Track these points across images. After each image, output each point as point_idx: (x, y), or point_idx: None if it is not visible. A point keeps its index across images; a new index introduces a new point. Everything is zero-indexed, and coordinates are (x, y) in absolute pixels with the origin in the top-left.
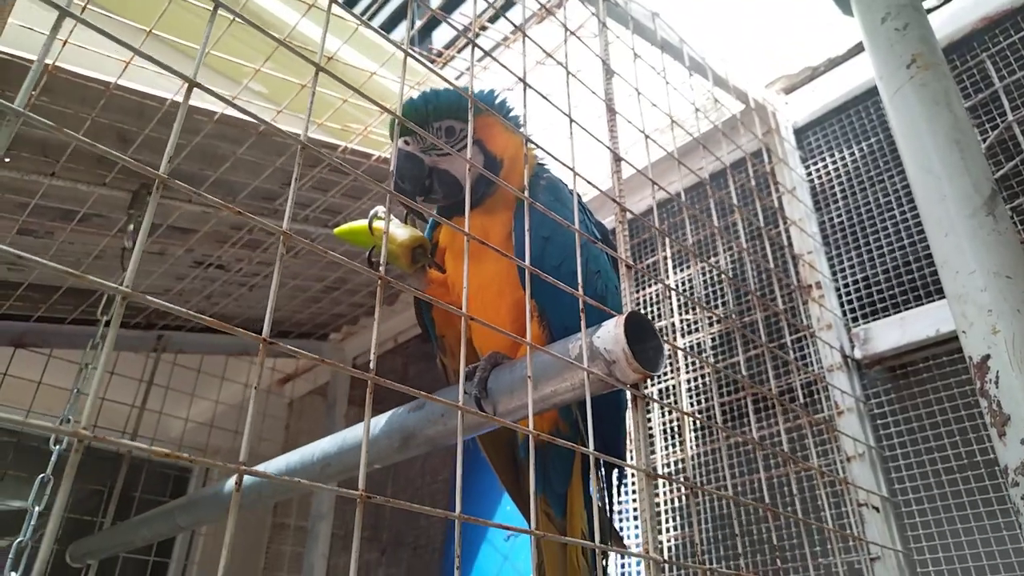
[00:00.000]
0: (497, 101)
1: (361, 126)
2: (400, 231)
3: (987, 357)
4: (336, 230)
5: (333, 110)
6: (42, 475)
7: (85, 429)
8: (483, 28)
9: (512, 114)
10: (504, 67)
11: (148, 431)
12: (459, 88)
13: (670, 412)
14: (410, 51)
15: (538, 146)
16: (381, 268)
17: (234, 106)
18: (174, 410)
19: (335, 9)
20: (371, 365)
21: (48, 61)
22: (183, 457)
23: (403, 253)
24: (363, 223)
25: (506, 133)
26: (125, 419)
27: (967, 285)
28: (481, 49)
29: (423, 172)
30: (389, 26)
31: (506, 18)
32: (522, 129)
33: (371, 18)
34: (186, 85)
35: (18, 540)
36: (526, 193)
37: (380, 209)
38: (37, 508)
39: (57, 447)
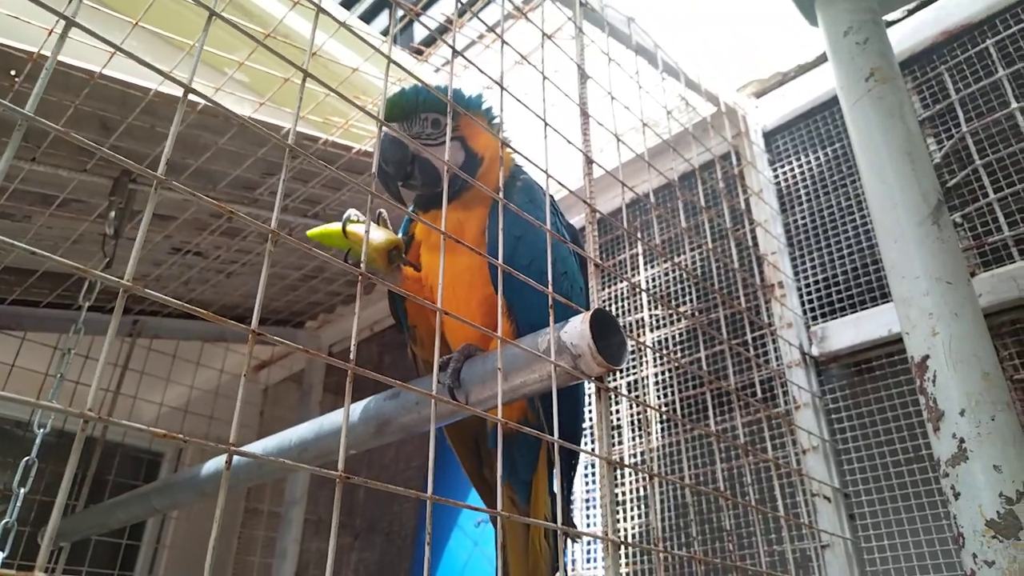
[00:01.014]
0: (484, 107)
1: (342, 119)
2: (376, 233)
3: (927, 357)
4: (309, 232)
5: (315, 103)
6: (27, 458)
7: (90, 410)
8: (461, 27)
9: (495, 119)
10: (481, 71)
11: (122, 416)
12: (434, 89)
13: (636, 405)
14: (393, 59)
15: (515, 150)
16: (362, 264)
17: (239, 117)
18: (148, 395)
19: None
20: (351, 356)
21: (32, 50)
22: (177, 437)
23: (380, 256)
24: (336, 226)
25: (482, 121)
26: (99, 403)
27: (912, 289)
28: (463, 56)
29: (407, 158)
30: (370, 15)
31: (483, 22)
32: (502, 133)
33: (351, 6)
34: (183, 90)
35: (4, 521)
36: (500, 193)
37: (353, 212)
38: (23, 491)
39: (41, 430)
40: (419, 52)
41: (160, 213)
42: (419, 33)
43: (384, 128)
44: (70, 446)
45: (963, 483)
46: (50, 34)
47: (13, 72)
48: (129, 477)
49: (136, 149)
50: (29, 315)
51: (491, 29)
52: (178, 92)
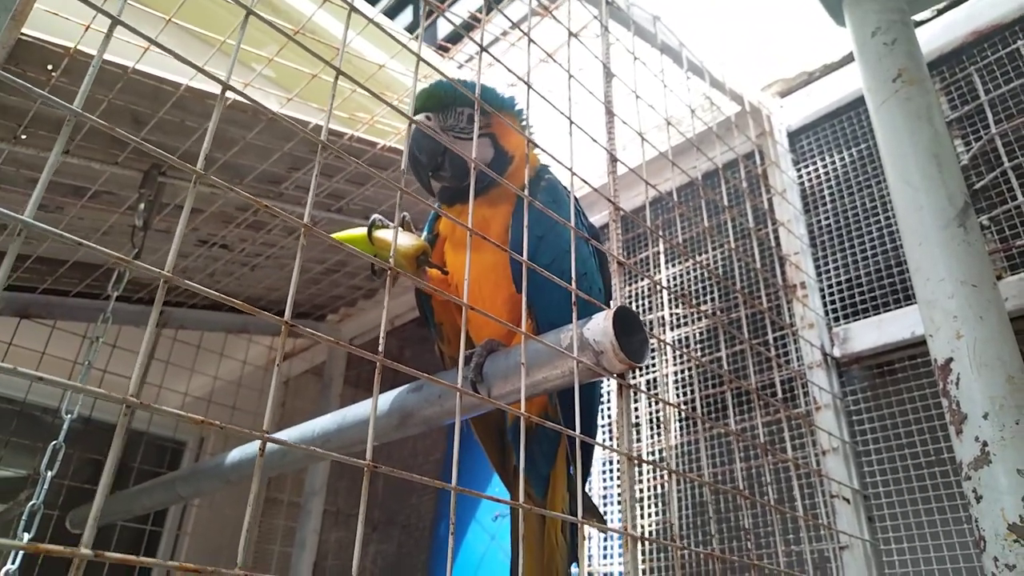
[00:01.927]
0: (516, 108)
1: (368, 115)
2: (403, 239)
3: (950, 360)
4: (335, 235)
5: (342, 99)
6: (54, 442)
7: (133, 396)
8: (487, 23)
9: (525, 120)
10: (508, 68)
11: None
12: (464, 88)
13: (656, 402)
14: (422, 57)
15: (543, 150)
16: (390, 260)
17: (272, 113)
18: (173, 384)
19: None
20: (380, 348)
21: (69, 44)
22: (215, 424)
23: (408, 262)
24: (362, 231)
25: (512, 123)
26: (125, 391)
27: (936, 292)
28: (489, 54)
29: (439, 149)
30: (394, 11)
31: (508, 19)
32: (528, 131)
33: (376, 1)
34: (220, 88)
35: (31, 504)
36: (525, 191)
37: (377, 217)
38: (50, 473)
39: (68, 416)
40: (444, 49)
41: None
42: (442, 29)
43: (418, 119)
44: (96, 433)
45: (985, 486)
46: (87, 29)
47: (50, 67)
48: (153, 464)
49: (166, 142)
50: (59, 304)
51: (516, 26)
52: (209, 87)
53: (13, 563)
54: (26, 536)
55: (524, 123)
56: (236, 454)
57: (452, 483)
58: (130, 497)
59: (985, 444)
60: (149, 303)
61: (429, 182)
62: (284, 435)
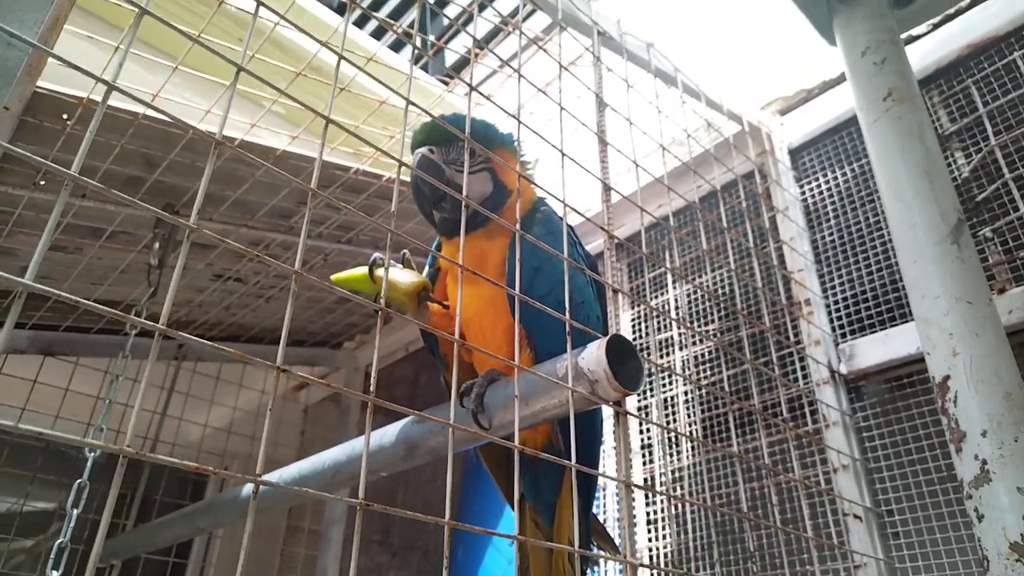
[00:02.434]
0: (514, 143)
1: (372, 148)
2: (403, 276)
3: (947, 377)
4: (334, 277)
5: (346, 135)
6: (79, 480)
7: (129, 447)
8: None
9: (524, 156)
10: (498, 106)
11: (169, 436)
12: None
13: (668, 424)
14: (411, 100)
15: (538, 186)
16: (381, 300)
17: (262, 163)
18: (193, 416)
19: (350, 33)
20: (371, 388)
21: (83, 95)
22: (208, 470)
23: (409, 300)
24: (362, 271)
25: (512, 161)
26: (147, 425)
27: (932, 309)
28: (479, 93)
29: (442, 181)
30: (398, 43)
31: (498, 56)
32: (526, 167)
33: (381, 36)
34: (213, 144)
35: (59, 542)
36: (517, 225)
37: (378, 256)
38: (76, 511)
39: (92, 454)
40: (449, 79)
41: (201, 243)
42: (451, 57)
43: (420, 151)
44: (123, 467)
45: (986, 505)
46: (97, 83)
47: (65, 116)
48: (176, 496)
49: (178, 183)
50: (81, 341)
51: (505, 63)
52: (216, 128)
53: None
54: (55, 574)
55: (522, 158)
56: (250, 487)
57: (446, 517)
58: (152, 530)
59: (984, 462)
60: (168, 337)
61: (432, 213)
62: (297, 467)
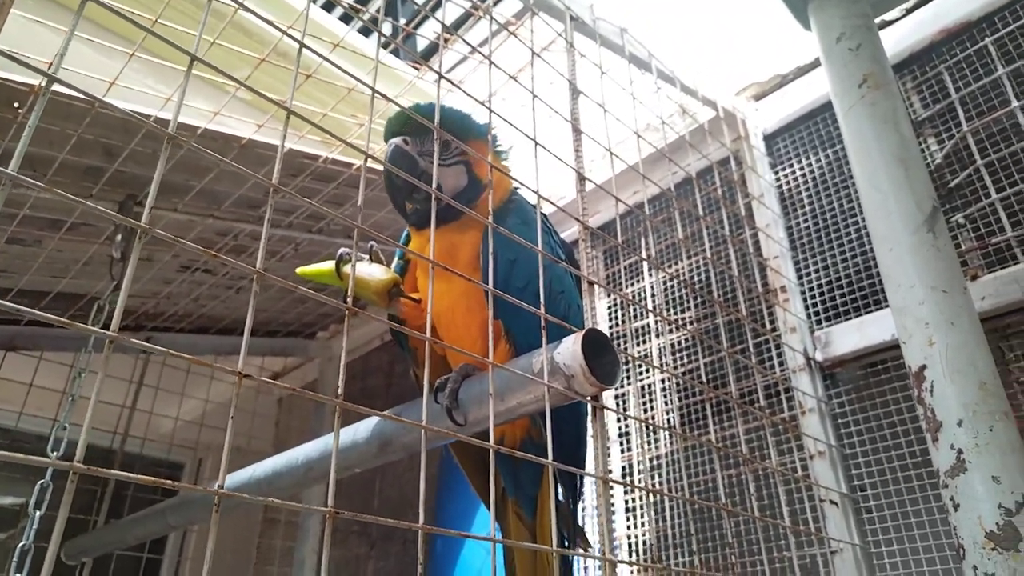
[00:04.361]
0: (491, 134)
1: (343, 135)
2: (372, 272)
3: (924, 367)
4: (299, 271)
5: (317, 119)
6: (41, 481)
7: (80, 462)
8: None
9: (499, 146)
10: (468, 95)
11: (139, 430)
12: (419, 117)
13: (646, 411)
14: (378, 91)
15: (512, 178)
16: (348, 300)
17: (221, 159)
18: (164, 409)
19: (318, 17)
20: (339, 391)
21: (33, 82)
22: (166, 484)
23: (380, 297)
24: (328, 266)
25: (488, 154)
26: (116, 419)
27: (907, 298)
28: (449, 81)
29: (415, 173)
30: (368, 28)
31: (468, 43)
32: (501, 158)
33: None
34: (165, 138)
35: (21, 544)
36: (490, 218)
37: (344, 251)
38: (38, 513)
39: (54, 454)
40: (419, 65)
41: (167, 233)
42: (423, 42)
43: (394, 141)
44: (87, 460)
45: (962, 494)
46: (50, 66)
47: (16, 104)
48: (148, 491)
49: (140, 173)
50: (44, 335)
51: (475, 49)
52: (181, 118)
53: None
54: None
55: (498, 148)
56: (225, 483)
57: (420, 522)
58: (123, 527)
59: (960, 452)
60: (135, 330)
61: (404, 205)
62: (271, 463)
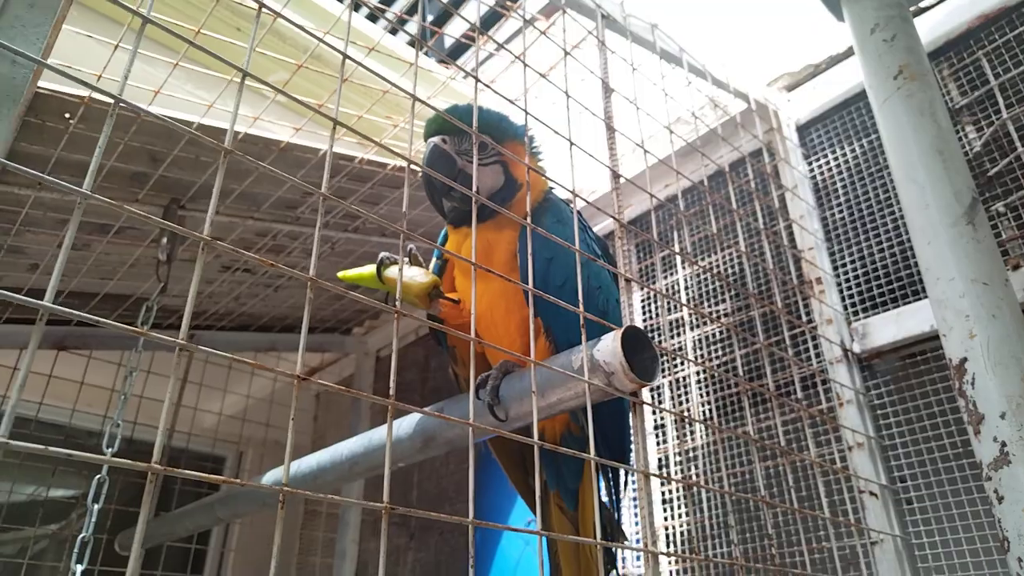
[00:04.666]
0: (528, 135)
1: (378, 136)
2: (414, 273)
3: (964, 360)
4: (340, 275)
5: (352, 123)
6: (98, 476)
7: (158, 463)
8: (485, 42)
9: (536, 147)
10: (500, 95)
11: (184, 425)
12: (458, 122)
13: (680, 404)
14: (419, 98)
15: (548, 178)
16: (397, 303)
17: (264, 167)
18: (207, 405)
19: (354, 20)
20: (391, 392)
21: (84, 94)
22: (234, 481)
23: (421, 300)
24: (369, 270)
25: (525, 156)
26: (162, 414)
27: (947, 291)
28: (481, 81)
29: (453, 172)
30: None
31: (500, 44)
32: (537, 158)
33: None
34: (223, 153)
35: (81, 536)
36: (528, 219)
37: (385, 255)
38: (96, 506)
39: (109, 450)
40: (447, 63)
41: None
42: (448, 40)
43: (432, 140)
44: (139, 455)
45: (1006, 487)
46: (99, 79)
47: (68, 115)
48: (193, 484)
49: (183, 178)
50: (93, 335)
51: (501, 46)
52: (219, 123)
53: None
54: (79, 568)
55: (534, 150)
56: (269, 477)
57: (470, 517)
58: (172, 520)
59: (1004, 444)
60: (179, 328)
61: (441, 203)
62: (315, 458)
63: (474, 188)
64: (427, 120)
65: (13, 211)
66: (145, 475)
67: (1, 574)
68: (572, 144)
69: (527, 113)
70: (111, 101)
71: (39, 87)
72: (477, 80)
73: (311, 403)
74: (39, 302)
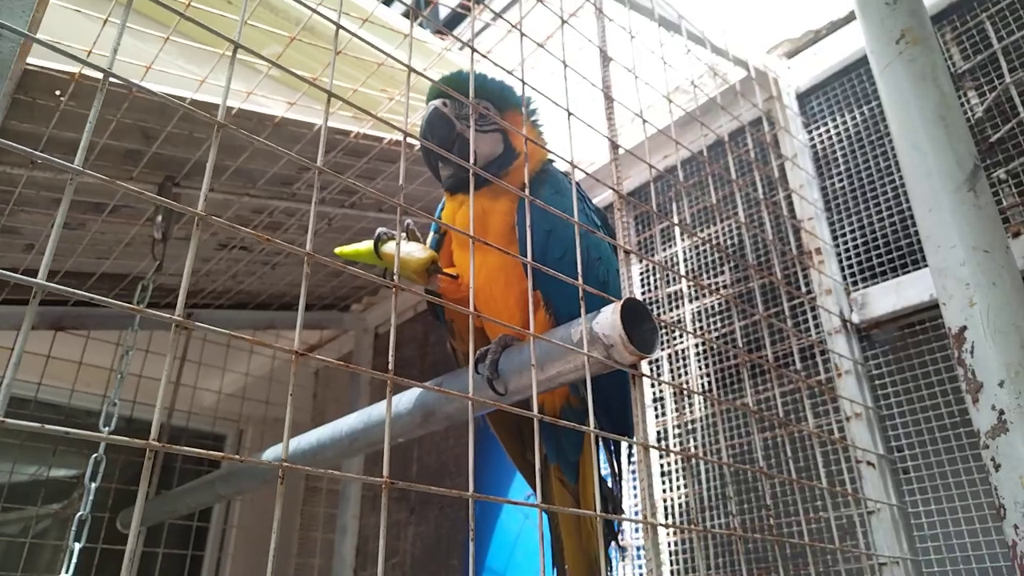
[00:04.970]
0: (530, 107)
1: (373, 110)
2: (411, 249)
3: (964, 328)
4: (338, 250)
5: (348, 94)
6: (95, 455)
7: (155, 440)
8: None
9: (535, 117)
10: (496, 64)
11: (183, 404)
12: (452, 80)
13: (678, 377)
14: (416, 69)
15: (547, 150)
16: (396, 277)
17: (261, 142)
18: (206, 383)
19: None
20: (390, 367)
21: (74, 70)
22: (234, 458)
23: (419, 275)
24: (367, 245)
25: (527, 129)
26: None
27: (948, 259)
28: (477, 51)
29: (451, 135)
30: None
31: (496, 13)
32: (531, 126)
33: None
34: (216, 124)
35: (79, 514)
36: (527, 191)
37: (382, 230)
38: (94, 485)
39: (106, 428)
40: (443, 33)
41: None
42: (445, 11)
43: (434, 103)
44: (138, 434)
45: (1003, 455)
46: (89, 54)
47: (58, 92)
48: (194, 462)
49: (177, 155)
50: (90, 315)
51: (498, 15)
52: (213, 98)
53: (67, 571)
54: (77, 545)
55: (535, 121)
56: (270, 454)
57: (470, 490)
58: (174, 498)
59: (1002, 412)
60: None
61: (438, 167)
62: (315, 434)
63: (471, 158)
64: (430, 85)
65: (6, 191)
66: (141, 453)
67: (5, 553)
68: (570, 114)
69: (524, 83)
70: (101, 76)
71: (28, 63)
72: (473, 50)
73: (310, 380)
74: (32, 279)
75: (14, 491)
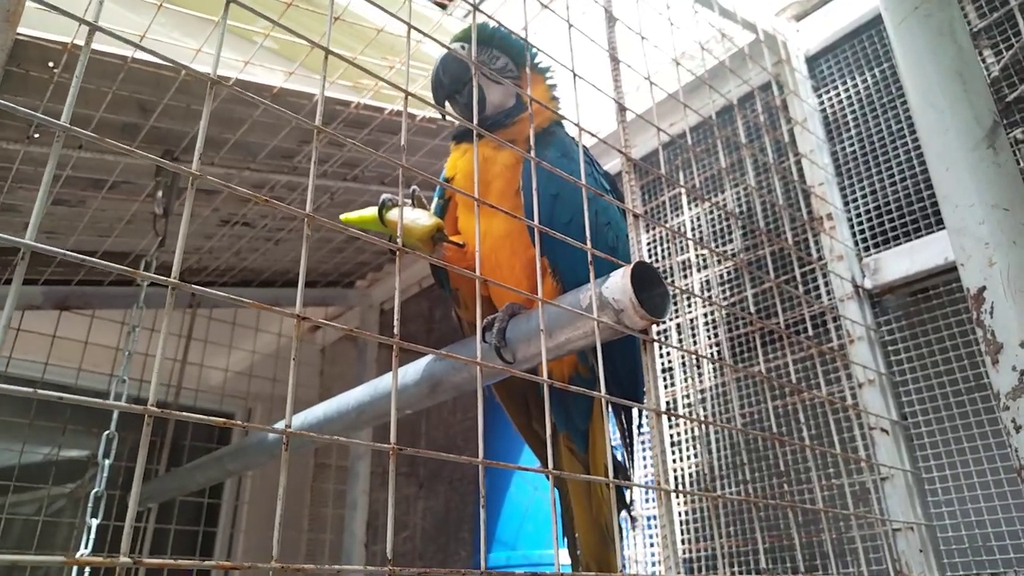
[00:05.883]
0: (543, 64)
1: (372, 81)
2: (416, 216)
3: (983, 288)
4: (343, 217)
5: (345, 67)
6: (107, 432)
7: (153, 406)
8: None
9: (550, 79)
10: (502, 26)
11: (191, 383)
12: (479, 32)
13: (683, 352)
14: (417, 27)
15: (554, 111)
16: (398, 240)
17: (262, 102)
18: (213, 361)
19: None
20: (395, 331)
21: (67, 40)
22: (237, 424)
23: (424, 243)
24: (372, 212)
25: (540, 88)
26: (169, 372)
27: (966, 218)
28: (483, 13)
29: (465, 77)
30: None
31: None
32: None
33: None
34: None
35: (94, 491)
36: (532, 153)
37: (387, 197)
38: (107, 461)
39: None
40: (443, 6)
41: (205, 189)
42: None
43: (453, 45)
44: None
45: None
46: (81, 25)
47: (51, 63)
48: (204, 440)
49: (175, 128)
50: (95, 294)
51: None
52: (209, 69)
53: (86, 547)
54: (95, 522)
55: (550, 81)
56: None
57: (480, 457)
58: (184, 474)
59: (1022, 373)
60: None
61: (444, 103)
62: (322, 408)
63: (474, 119)
64: (456, 35)
65: (4, 167)
66: (155, 432)
67: (20, 532)
68: (575, 75)
69: (526, 43)
70: (97, 47)
71: (19, 34)
72: (476, 9)
73: (316, 357)
74: (20, 240)
75: (28, 472)
